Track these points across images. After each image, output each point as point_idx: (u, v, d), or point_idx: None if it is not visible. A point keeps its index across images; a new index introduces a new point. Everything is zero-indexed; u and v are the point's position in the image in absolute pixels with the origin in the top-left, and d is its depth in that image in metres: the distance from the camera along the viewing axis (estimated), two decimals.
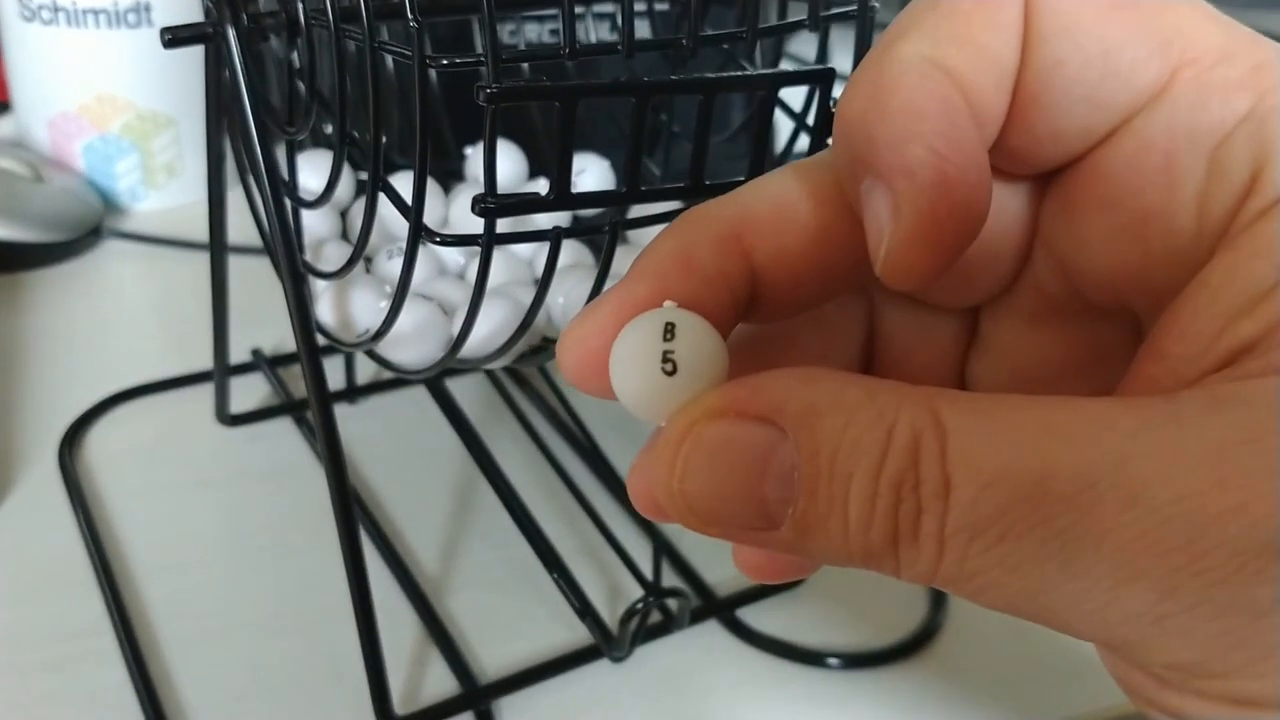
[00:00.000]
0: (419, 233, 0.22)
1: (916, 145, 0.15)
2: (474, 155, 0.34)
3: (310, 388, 0.25)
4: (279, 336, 0.42)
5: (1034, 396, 0.15)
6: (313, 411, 0.25)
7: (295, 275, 0.25)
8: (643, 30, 0.40)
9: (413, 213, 0.22)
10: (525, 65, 0.32)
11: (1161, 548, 0.13)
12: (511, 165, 0.35)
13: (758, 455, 0.15)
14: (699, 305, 0.17)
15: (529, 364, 0.28)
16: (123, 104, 0.49)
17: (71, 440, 0.36)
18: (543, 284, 0.24)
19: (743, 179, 0.24)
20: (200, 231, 0.48)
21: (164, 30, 0.24)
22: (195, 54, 0.26)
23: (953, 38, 0.16)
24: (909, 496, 0.14)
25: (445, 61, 0.20)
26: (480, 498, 0.35)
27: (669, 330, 0.16)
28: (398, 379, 0.38)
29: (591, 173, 0.34)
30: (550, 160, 0.36)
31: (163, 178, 0.51)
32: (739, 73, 0.22)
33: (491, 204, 0.21)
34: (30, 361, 0.41)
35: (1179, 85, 0.16)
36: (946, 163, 0.15)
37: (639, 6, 0.41)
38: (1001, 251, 0.19)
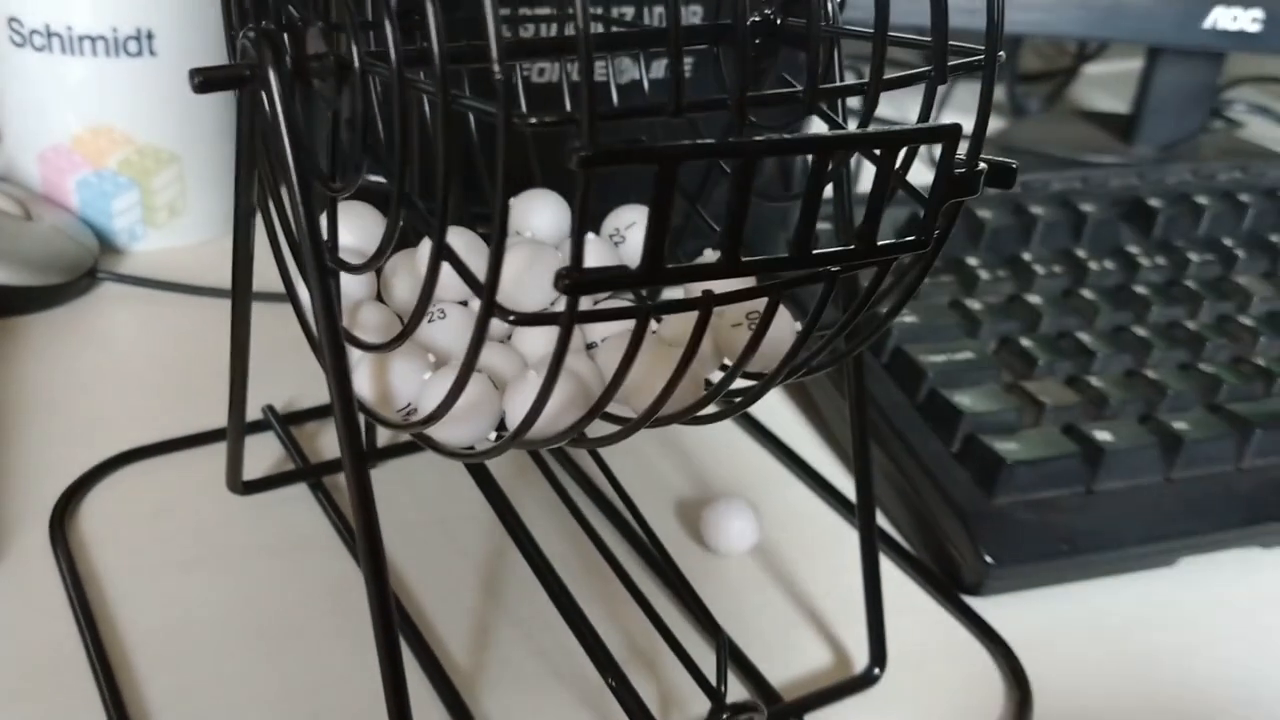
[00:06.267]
0: (490, 312, 0.19)
1: None
2: (516, 207, 0.31)
3: (352, 482, 0.22)
4: (290, 393, 0.39)
5: None
6: (354, 510, 0.22)
7: (336, 347, 0.22)
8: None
9: (485, 291, 0.19)
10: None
11: None
12: (552, 215, 0.32)
13: None
14: None
15: (585, 445, 0.25)
16: (120, 138, 0.45)
17: (64, 510, 0.33)
18: (623, 364, 0.21)
19: (851, 248, 0.21)
20: (205, 274, 0.46)
21: (194, 71, 0.22)
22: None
23: None
24: None
25: (535, 120, 0.17)
26: (511, 574, 0.32)
27: None
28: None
29: (642, 225, 0.31)
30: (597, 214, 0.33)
31: (164, 217, 0.48)
32: (859, 130, 0.20)
33: (576, 280, 0.18)
34: (18, 418, 0.37)
35: None
36: None
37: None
38: None
